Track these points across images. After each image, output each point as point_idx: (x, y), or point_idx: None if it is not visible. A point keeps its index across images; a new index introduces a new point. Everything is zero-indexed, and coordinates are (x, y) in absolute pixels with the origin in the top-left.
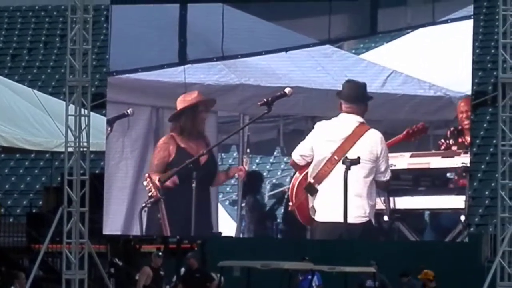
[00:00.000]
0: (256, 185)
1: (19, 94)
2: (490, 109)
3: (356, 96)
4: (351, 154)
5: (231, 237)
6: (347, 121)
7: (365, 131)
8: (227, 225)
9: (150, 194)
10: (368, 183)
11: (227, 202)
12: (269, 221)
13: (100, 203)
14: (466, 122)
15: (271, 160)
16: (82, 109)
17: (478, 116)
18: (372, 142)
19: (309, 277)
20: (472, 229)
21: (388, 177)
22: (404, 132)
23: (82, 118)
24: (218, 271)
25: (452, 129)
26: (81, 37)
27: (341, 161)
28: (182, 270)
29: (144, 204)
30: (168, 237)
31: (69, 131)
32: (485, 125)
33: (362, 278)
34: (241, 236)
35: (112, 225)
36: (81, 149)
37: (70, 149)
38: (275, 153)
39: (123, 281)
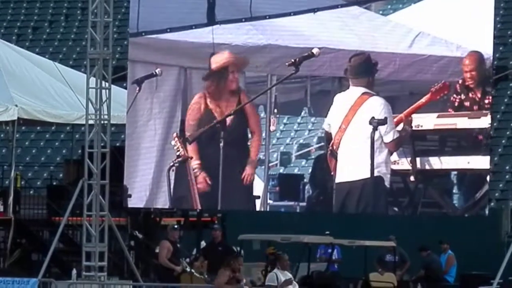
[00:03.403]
0: None
1: (40, 66)
2: (511, 84)
3: (359, 70)
4: (355, 122)
5: (252, 210)
6: (352, 93)
7: (366, 99)
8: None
9: (178, 153)
10: (369, 145)
11: None
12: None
13: (121, 176)
14: (470, 82)
15: (298, 120)
16: (103, 82)
17: (498, 91)
18: (372, 108)
19: (329, 250)
20: (492, 204)
21: (391, 139)
22: (429, 94)
23: (103, 90)
24: (238, 244)
25: (460, 82)
26: (102, 9)
27: (368, 123)
28: (203, 243)
29: (172, 163)
30: (188, 210)
31: (89, 104)
32: (506, 100)
33: (382, 252)
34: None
35: (136, 198)
36: (102, 122)
37: (91, 122)
38: (302, 113)
39: (143, 254)
